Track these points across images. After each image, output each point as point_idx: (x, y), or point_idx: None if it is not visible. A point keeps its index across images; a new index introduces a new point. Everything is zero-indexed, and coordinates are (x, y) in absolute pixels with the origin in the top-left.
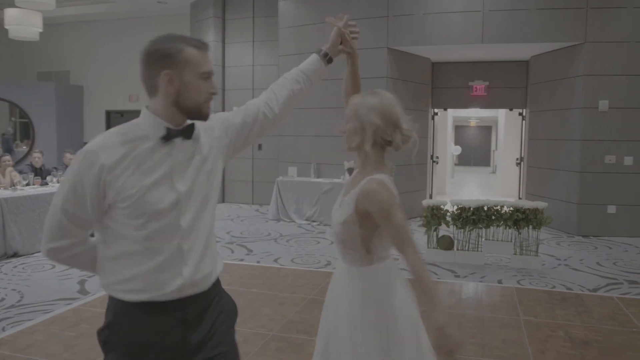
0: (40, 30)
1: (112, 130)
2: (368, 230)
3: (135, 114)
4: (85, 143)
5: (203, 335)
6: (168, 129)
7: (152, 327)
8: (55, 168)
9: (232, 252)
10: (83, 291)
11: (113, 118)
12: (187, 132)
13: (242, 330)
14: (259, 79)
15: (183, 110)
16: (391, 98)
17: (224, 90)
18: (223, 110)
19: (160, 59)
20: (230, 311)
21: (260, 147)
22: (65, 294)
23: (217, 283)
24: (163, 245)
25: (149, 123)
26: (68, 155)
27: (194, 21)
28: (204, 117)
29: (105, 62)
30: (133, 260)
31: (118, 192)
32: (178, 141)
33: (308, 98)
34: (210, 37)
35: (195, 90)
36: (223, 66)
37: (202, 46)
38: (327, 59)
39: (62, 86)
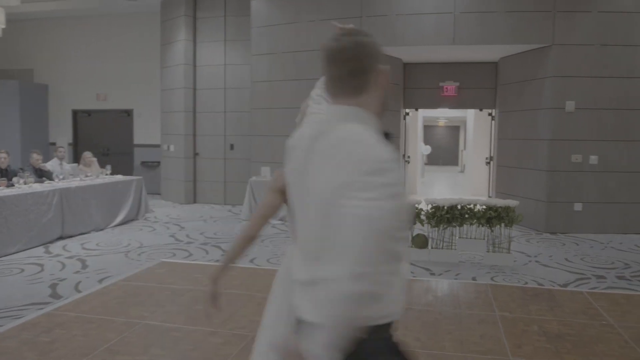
0: (3, 26)
1: (368, 130)
2: None
3: (103, 113)
4: (52, 143)
5: None
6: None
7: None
8: (21, 169)
9: (207, 253)
10: (55, 295)
11: (80, 118)
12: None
13: (222, 332)
14: (230, 78)
15: (385, 111)
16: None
17: (195, 89)
18: (194, 109)
19: (375, 54)
20: None
21: (232, 147)
22: (37, 299)
23: None
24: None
25: (375, 123)
26: (35, 155)
27: (165, 19)
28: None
29: (72, 60)
30: (398, 276)
31: None
32: None
33: (280, 98)
34: (181, 35)
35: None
36: (194, 65)
37: None
38: None
39: (26, 85)
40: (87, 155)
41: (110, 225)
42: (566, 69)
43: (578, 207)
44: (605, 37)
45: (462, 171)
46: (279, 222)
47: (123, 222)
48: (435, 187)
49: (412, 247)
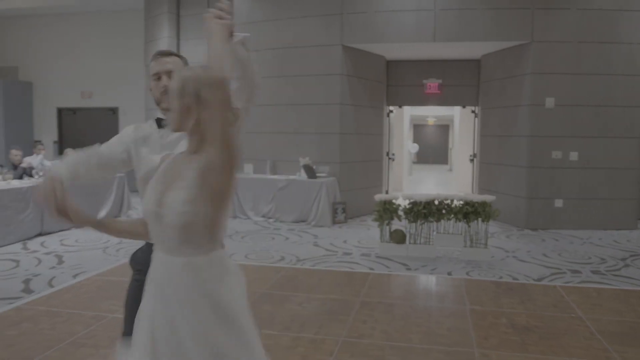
0: None
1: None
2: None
3: (88, 111)
4: (37, 141)
5: None
6: None
7: None
8: (0, 165)
9: None
10: (27, 290)
11: (65, 116)
12: None
13: None
14: None
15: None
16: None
17: None
18: None
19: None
20: None
21: None
22: (8, 294)
23: None
24: None
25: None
26: (14, 152)
27: (148, 17)
28: None
29: (56, 57)
30: None
31: None
32: None
33: (262, 94)
34: (165, 32)
35: None
36: None
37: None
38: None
39: (10, 82)
40: (69, 152)
41: None
42: (545, 66)
43: (559, 203)
44: (583, 34)
45: (450, 169)
46: (261, 218)
47: None
48: (423, 185)
49: (390, 242)
